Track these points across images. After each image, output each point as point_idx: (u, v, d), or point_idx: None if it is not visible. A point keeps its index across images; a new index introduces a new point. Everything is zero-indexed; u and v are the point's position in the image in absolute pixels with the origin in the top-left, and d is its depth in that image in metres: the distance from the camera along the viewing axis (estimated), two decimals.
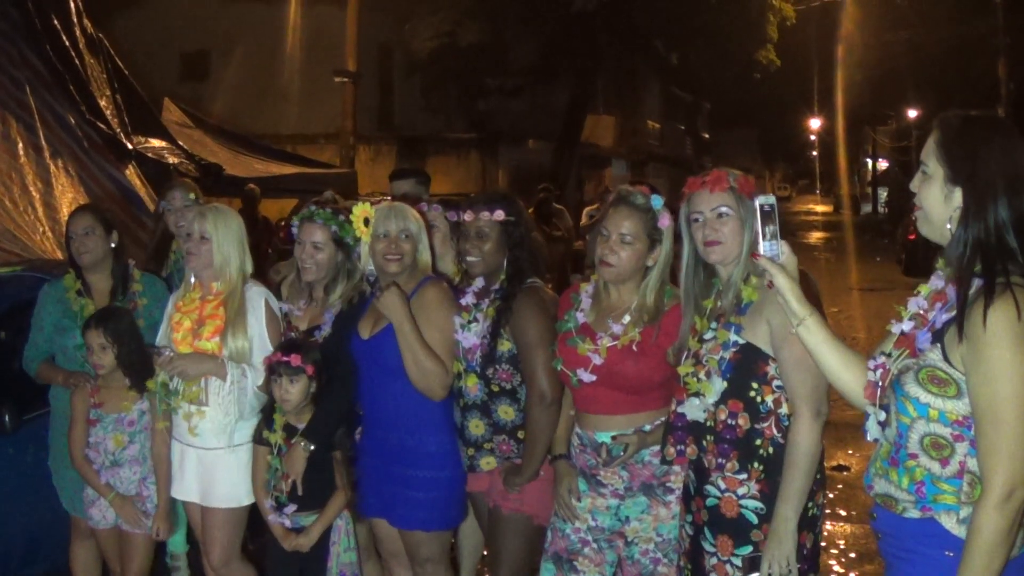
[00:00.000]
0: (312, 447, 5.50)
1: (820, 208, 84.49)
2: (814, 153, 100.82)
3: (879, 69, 41.47)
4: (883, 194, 68.62)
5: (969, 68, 35.16)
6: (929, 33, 34.76)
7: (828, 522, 8.68)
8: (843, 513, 8.91)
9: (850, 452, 10.60)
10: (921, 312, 3.46)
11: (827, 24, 45.45)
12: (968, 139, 3.33)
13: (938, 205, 3.38)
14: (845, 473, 10.07)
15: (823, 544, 7.86)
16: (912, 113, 48.67)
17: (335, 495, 5.57)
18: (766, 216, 3.47)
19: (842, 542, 8.28)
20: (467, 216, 5.52)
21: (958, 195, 3.31)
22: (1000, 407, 3.13)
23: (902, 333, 3.48)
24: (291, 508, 5.53)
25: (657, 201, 4.87)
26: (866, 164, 78.61)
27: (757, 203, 3.50)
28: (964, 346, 3.20)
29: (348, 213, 5.70)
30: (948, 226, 3.35)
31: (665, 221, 4.84)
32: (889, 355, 3.50)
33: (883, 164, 70.97)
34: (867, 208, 73.51)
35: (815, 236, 49.24)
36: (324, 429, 5.55)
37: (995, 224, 3.24)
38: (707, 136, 75.83)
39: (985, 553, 3.12)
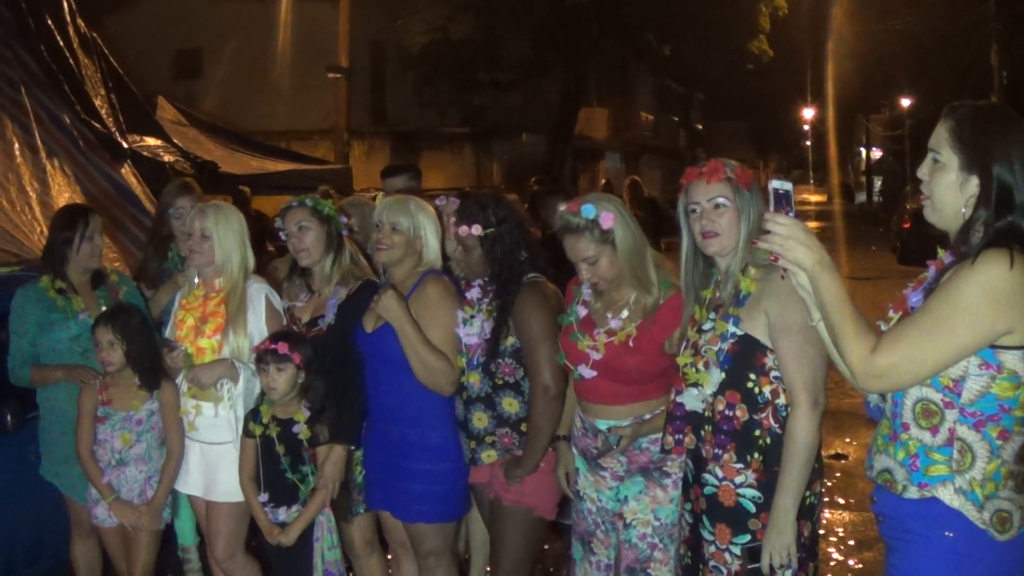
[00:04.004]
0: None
1: (814, 198, 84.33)
2: (808, 143, 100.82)
3: (872, 58, 41.42)
4: (877, 183, 68.67)
5: (962, 56, 35.16)
6: (922, 22, 34.77)
7: (827, 510, 8.72)
8: (841, 501, 8.95)
9: (848, 440, 10.64)
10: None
11: (819, 14, 45.44)
12: (983, 127, 3.40)
13: (952, 193, 3.44)
14: (843, 461, 10.10)
15: (822, 532, 7.91)
16: (905, 102, 48.69)
17: (315, 492, 5.57)
18: (780, 200, 3.48)
19: (841, 530, 8.32)
20: (453, 228, 5.60)
21: (974, 182, 3.38)
22: (940, 323, 3.25)
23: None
24: (264, 496, 5.58)
25: (589, 211, 4.84)
26: (860, 153, 78.66)
27: (772, 187, 3.50)
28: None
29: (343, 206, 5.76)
30: (964, 211, 3.40)
31: (608, 221, 4.84)
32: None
33: (877, 153, 71.01)
34: (862, 197, 73.52)
35: (810, 226, 48.95)
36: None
37: (1012, 208, 3.32)
38: (701, 127, 75.85)
39: None
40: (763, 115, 76.02)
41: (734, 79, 47.92)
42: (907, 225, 27.26)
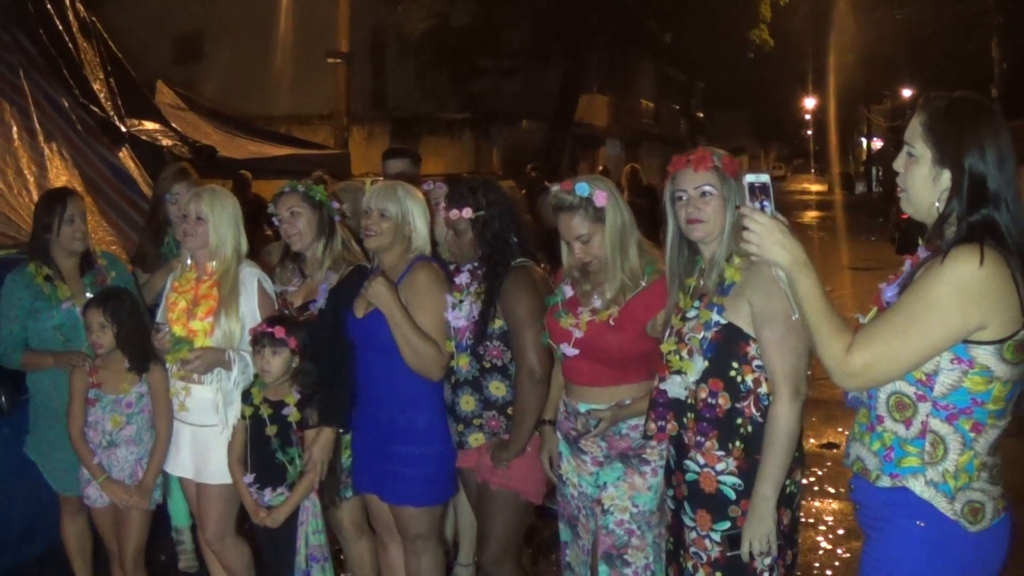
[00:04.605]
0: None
1: (815, 188, 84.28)
2: (809, 132, 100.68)
3: (873, 48, 41.32)
4: (878, 173, 68.56)
5: (962, 47, 35.10)
6: (923, 12, 34.68)
7: (817, 499, 8.78)
8: (832, 490, 9.00)
9: (840, 430, 10.67)
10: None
11: (820, 3, 45.34)
12: (955, 121, 3.40)
13: (925, 186, 3.45)
14: (835, 451, 10.14)
15: (811, 520, 8.02)
16: (906, 92, 48.61)
17: (303, 475, 5.62)
18: (755, 193, 3.47)
19: (830, 519, 8.37)
20: (443, 212, 5.66)
21: (946, 176, 3.39)
22: (913, 321, 3.28)
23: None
24: (249, 477, 5.64)
25: (583, 189, 4.91)
26: (861, 143, 78.57)
27: (746, 181, 3.51)
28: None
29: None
30: (937, 205, 3.42)
31: (601, 200, 4.90)
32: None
33: (878, 143, 70.92)
34: (862, 187, 73.45)
35: (809, 215, 49.16)
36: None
37: (986, 199, 3.32)
38: (701, 115, 75.78)
39: None
40: (764, 104, 76.07)
41: (735, 67, 47.88)
42: (906, 216, 26.90)
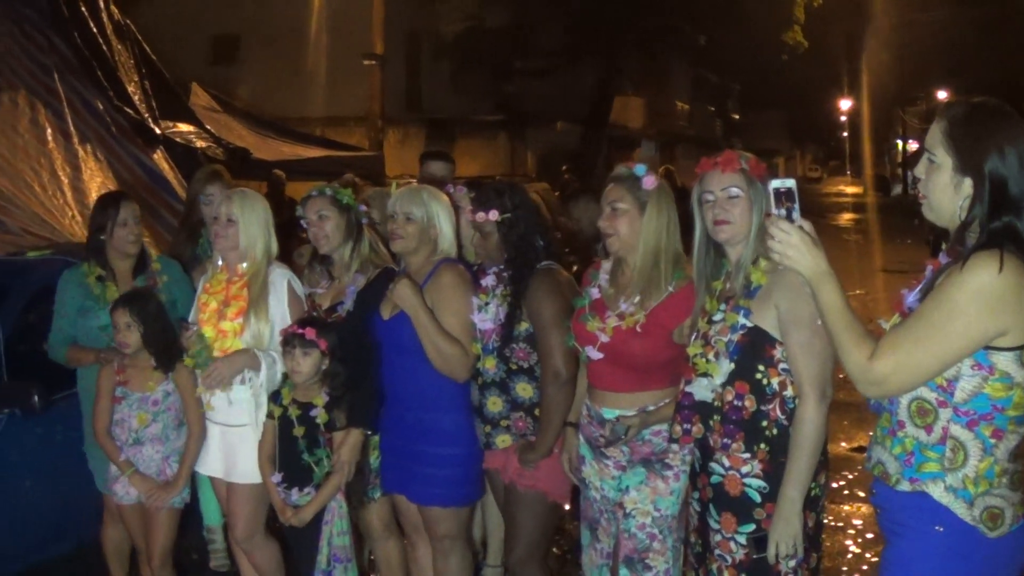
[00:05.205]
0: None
1: (850, 189, 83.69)
2: (844, 134, 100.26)
3: (907, 50, 41.23)
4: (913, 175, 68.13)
5: (998, 48, 34.93)
6: (957, 14, 34.54)
7: (846, 503, 8.75)
8: (861, 494, 8.91)
9: (870, 434, 10.56)
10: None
11: (854, 4, 45.20)
12: (976, 127, 3.37)
13: (947, 193, 3.44)
14: (865, 454, 10.04)
15: (840, 524, 7.98)
16: (941, 94, 48.41)
17: (330, 475, 5.65)
18: (781, 199, 3.46)
19: (859, 522, 8.33)
20: (470, 215, 5.70)
21: (968, 183, 3.37)
22: (934, 329, 3.28)
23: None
24: (277, 477, 5.67)
25: (640, 169, 5.00)
26: (896, 145, 78.20)
27: (771, 187, 3.50)
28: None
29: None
30: (959, 212, 3.41)
31: (649, 183, 4.94)
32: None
33: (913, 145, 70.57)
34: (898, 189, 73.11)
35: (845, 218, 48.94)
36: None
37: (1008, 204, 3.30)
38: (737, 117, 75.63)
39: None
40: (800, 106, 75.72)
41: (770, 69, 47.75)
42: None
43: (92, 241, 6.54)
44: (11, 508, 6.39)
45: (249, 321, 5.77)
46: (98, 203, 6.78)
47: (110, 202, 6.61)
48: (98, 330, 6.33)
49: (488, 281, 5.58)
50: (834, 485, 8.84)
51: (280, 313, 5.84)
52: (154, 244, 9.73)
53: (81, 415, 6.43)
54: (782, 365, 4.30)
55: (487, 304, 5.51)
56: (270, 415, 5.71)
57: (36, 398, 6.24)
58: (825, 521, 4.73)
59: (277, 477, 5.66)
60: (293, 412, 5.63)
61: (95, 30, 12.04)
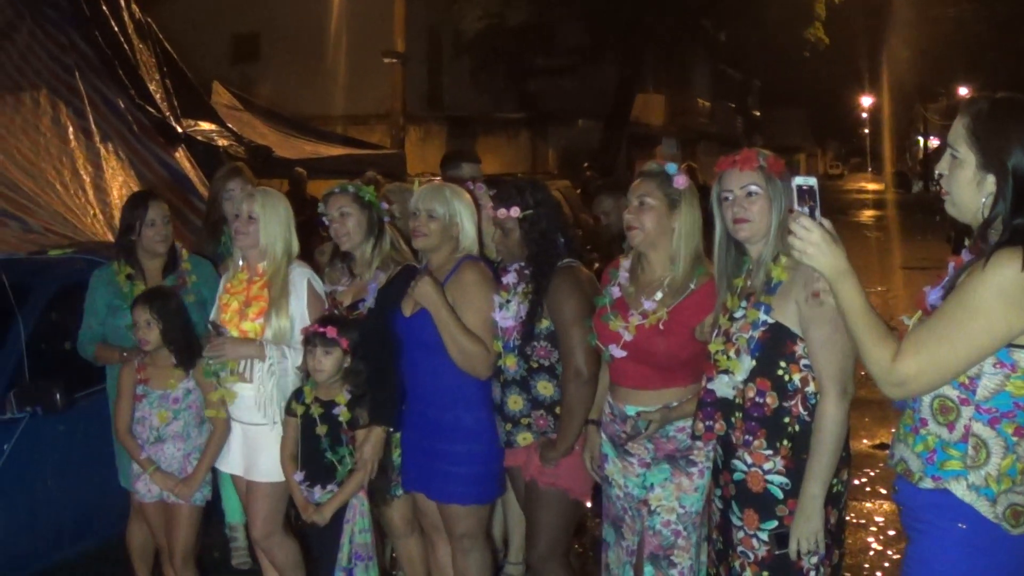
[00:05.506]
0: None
1: (872, 186, 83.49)
2: (866, 131, 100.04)
3: (928, 46, 41.09)
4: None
5: (1019, 43, 34.78)
6: (978, 9, 34.40)
7: (868, 500, 8.74)
8: (883, 491, 8.89)
9: (893, 431, 10.53)
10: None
11: (875, 1, 45.07)
12: (998, 123, 3.35)
13: (969, 190, 3.42)
14: (887, 451, 9.98)
15: (862, 522, 7.96)
16: (963, 91, 48.27)
17: (353, 473, 5.66)
18: (803, 196, 3.46)
19: (881, 520, 8.32)
20: (491, 212, 5.72)
21: (991, 180, 3.35)
22: (957, 328, 3.26)
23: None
24: (300, 475, 5.68)
25: (672, 167, 5.02)
26: (916, 142, 78.02)
27: (794, 184, 3.50)
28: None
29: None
30: (982, 208, 3.39)
31: (681, 182, 4.96)
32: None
33: (934, 142, 70.36)
34: (919, 186, 72.91)
35: (866, 214, 48.83)
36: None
37: None
38: (758, 114, 75.45)
39: None
40: (821, 102, 75.52)
41: (791, 66, 47.65)
42: None
43: (121, 240, 6.58)
44: (34, 506, 6.41)
45: (270, 321, 5.78)
46: (127, 203, 6.84)
47: (139, 202, 6.64)
48: (126, 329, 6.34)
49: (509, 278, 5.58)
50: (856, 482, 8.82)
51: (300, 312, 5.84)
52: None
53: (109, 413, 6.43)
54: (803, 361, 4.29)
55: (508, 302, 5.51)
56: (292, 413, 5.72)
57: (58, 396, 6.26)
58: (847, 518, 4.72)
59: (299, 475, 5.67)
60: (315, 410, 5.64)
61: (116, 29, 12.05)
